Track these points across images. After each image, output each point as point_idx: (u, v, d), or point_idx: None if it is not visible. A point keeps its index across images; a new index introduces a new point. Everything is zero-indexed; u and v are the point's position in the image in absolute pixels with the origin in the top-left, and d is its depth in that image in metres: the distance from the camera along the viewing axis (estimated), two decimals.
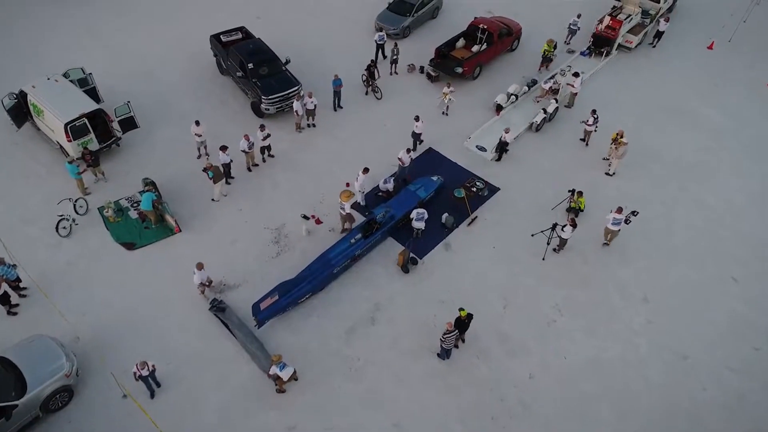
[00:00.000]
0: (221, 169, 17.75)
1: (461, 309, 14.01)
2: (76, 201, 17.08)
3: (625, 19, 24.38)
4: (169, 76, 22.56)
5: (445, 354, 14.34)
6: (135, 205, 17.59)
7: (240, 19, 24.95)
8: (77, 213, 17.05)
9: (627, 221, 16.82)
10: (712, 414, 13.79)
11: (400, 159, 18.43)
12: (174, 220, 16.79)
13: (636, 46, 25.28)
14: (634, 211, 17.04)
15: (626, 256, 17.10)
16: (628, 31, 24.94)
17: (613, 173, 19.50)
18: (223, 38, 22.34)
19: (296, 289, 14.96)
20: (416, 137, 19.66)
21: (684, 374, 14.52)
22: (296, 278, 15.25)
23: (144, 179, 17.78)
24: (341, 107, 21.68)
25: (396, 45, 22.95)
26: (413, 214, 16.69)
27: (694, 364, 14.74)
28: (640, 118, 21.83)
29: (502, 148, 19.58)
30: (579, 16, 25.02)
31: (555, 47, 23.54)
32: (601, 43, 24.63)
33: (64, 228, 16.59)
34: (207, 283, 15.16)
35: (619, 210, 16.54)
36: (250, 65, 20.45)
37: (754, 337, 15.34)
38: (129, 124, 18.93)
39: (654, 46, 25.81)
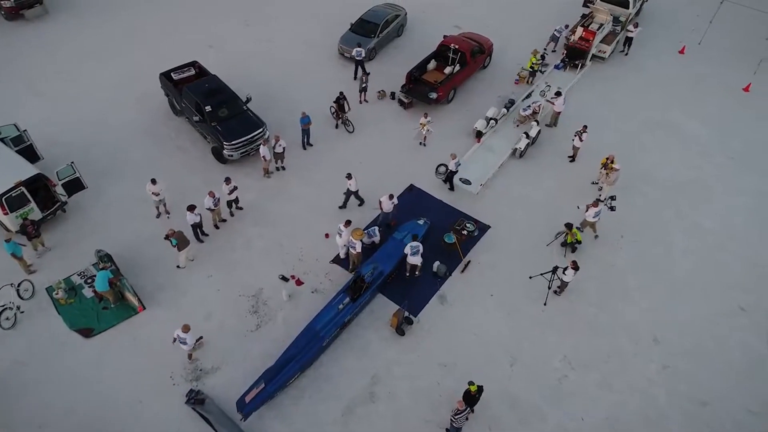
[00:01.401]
0: (189, 232, 15.96)
1: (471, 383, 12.71)
2: (19, 285, 14.97)
3: (597, 29, 23.54)
4: (117, 121, 20.37)
5: (455, 431, 13.03)
6: (89, 281, 15.56)
7: (190, 49, 23.04)
8: (22, 298, 14.93)
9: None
10: None
11: (380, 203, 16.97)
12: (136, 299, 14.87)
13: (609, 55, 24.48)
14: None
15: (630, 293, 16.16)
16: (600, 41, 24.10)
17: (604, 199, 18.56)
18: (175, 76, 20.29)
19: (283, 373, 13.34)
20: (352, 194, 17.56)
21: (706, 425, 13.63)
22: (282, 360, 13.62)
23: (97, 252, 15.75)
24: (311, 145, 20.02)
25: (365, 73, 21.37)
26: (407, 249, 15.41)
27: (714, 410, 13.87)
28: (624, 134, 20.98)
29: (449, 177, 18.45)
30: (567, 26, 24.29)
31: (543, 58, 22.59)
32: (575, 55, 23.70)
33: (8, 319, 14.48)
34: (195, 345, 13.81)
35: (596, 203, 16.57)
36: (208, 108, 18.53)
37: None
38: (75, 186, 16.81)
39: (626, 54, 25.05)
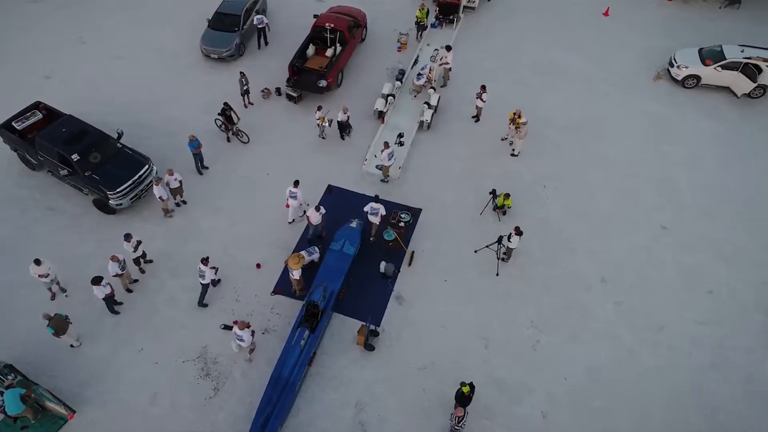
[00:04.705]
0: (94, 309, 13.63)
1: (463, 384, 12.38)
2: None
3: None
4: None
5: None
6: None
7: (22, 85, 19.52)
8: None
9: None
10: (709, 378, 14.02)
11: (308, 217, 15.70)
12: (62, 405, 12.50)
13: (478, 4, 24.37)
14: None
15: (569, 242, 16.56)
16: None
17: (518, 153, 18.73)
18: (17, 125, 16.89)
19: None
20: (209, 286, 14.61)
21: (668, 348, 14.53)
22: (258, 422, 12.26)
23: None
24: (206, 168, 17.89)
25: (243, 74, 19.25)
26: (367, 208, 15.57)
27: (670, 332, 14.81)
28: (515, 83, 21.14)
29: (342, 128, 18.76)
30: None
31: (428, 14, 22.20)
32: (448, 11, 23.32)
33: None
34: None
35: (386, 145, 16.99)
36: (75, 156, 15.68)
37: (702, 282, 15.82)
38: None
39: (489, 0, 25.16)
